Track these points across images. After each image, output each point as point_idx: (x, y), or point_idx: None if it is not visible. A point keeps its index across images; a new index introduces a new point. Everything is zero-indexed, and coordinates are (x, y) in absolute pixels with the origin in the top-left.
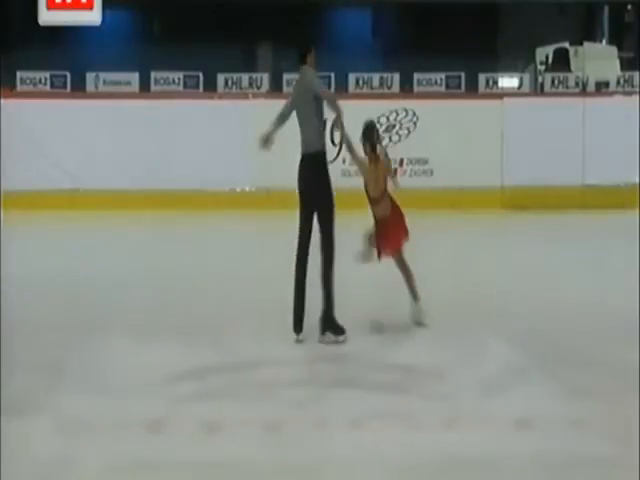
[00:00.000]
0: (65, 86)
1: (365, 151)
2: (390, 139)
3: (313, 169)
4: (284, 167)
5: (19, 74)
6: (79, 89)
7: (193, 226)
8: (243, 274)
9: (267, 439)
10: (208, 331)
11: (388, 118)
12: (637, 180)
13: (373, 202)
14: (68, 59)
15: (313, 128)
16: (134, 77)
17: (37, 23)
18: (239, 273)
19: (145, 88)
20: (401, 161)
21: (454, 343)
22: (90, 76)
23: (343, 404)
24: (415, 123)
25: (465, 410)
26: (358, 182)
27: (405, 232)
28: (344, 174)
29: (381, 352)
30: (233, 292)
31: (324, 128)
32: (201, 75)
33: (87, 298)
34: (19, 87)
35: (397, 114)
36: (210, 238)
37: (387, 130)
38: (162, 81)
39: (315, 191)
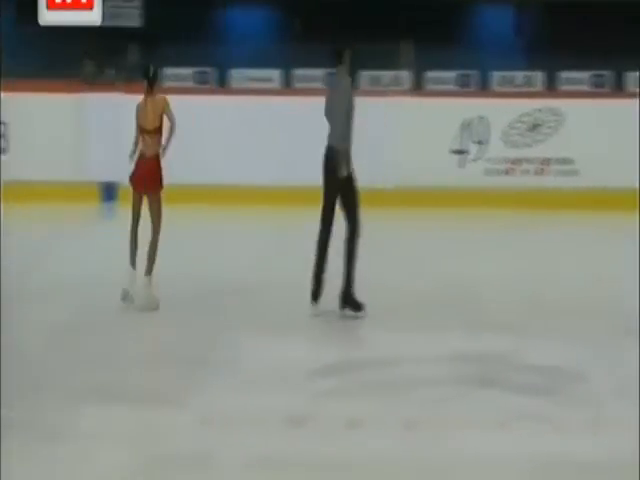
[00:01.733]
0: (209, 82)
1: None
2: (534, 138)
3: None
4: (422, 164)
5: (165, 71)
6: (222, 85)
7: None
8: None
9: (407, 437)
10: (345, 328)
11: (532, 117)
12: None
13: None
14: (212, 56)
15: (345, 125)
16: (276, 74)
17: (182, 21)
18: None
19: (286, 85)
20: (546, 161)
21: (590, 344)
22: (233, 73)
23: (484, 404)
24: (560, 122)
25: (608, 413)
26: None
27: (158, 182)
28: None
29: (520, 353)
30: (376, 289)
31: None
32: None
33: (231, 294)
34: (165, 83)
35: (541, 113)
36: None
37: (531, 129)
38: (303, 78)
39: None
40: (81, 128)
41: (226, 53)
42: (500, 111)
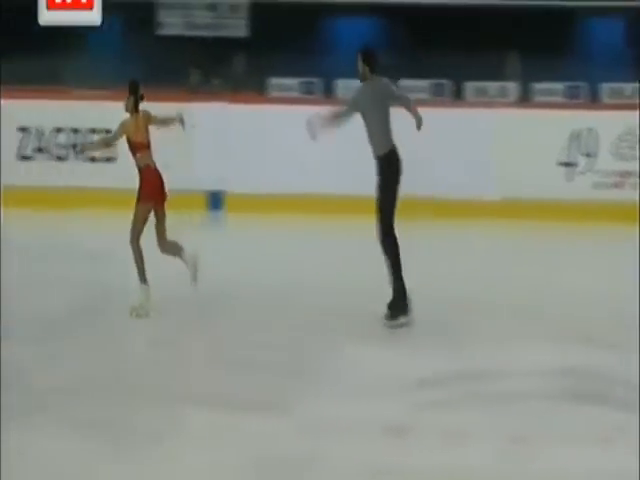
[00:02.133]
0: (314, 93)
1: (127, 106)
2: None
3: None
4: (529, 177)
5: (270, 81)
6: (328, 96)
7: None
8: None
9: (508, 451)
10: (444, 338)
11: None
12: None
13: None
14: (317, 66)
15: (387, 130)
16: None
17: (288, 31)
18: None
19: None
20: None
21: None
22: (339, 83)
23: (586, 419)
24: None
25: None
26: None
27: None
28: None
29: (620, 368)
30: (470, 299)
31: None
32: (448, 83)
33: (331, 302)
34: (270, 93)
35: None
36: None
37: None
38: (409, 89)
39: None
40: (187, 137)
41: (332, 63)
42: (609, 123)
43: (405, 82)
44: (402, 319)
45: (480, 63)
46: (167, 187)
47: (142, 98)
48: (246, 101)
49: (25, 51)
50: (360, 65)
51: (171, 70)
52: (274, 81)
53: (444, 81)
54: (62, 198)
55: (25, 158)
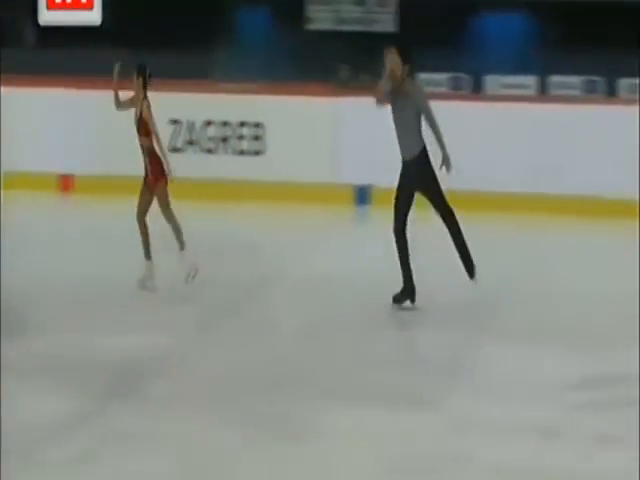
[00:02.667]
0: (463, 88)
1: (135, 88)
2: None
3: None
4: None
5: (419, 75)
6: (477, 92)
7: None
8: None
9: None
10: (600, 340)
11: None
12: None
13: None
14: (466, 62)
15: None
16: (532, 81)
17: (437, 27)
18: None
19: (542, 92)
20: None
21: None
22: (488, 79)
23: None
24: None
25: None
26: None
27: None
28: None
29: None
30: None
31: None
32: (601, 80)
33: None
34: None
35: None
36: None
37: None
38: (560, 85)
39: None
40: (336, 131)
41: (481, 59)
42: None
43: (556, 78)
44: (408, 303)
45: (635, 59)
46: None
47: (150, 77)
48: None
49: (177, 45)
50: (396, 62)
51: (319, 65)
52: (422, 76)
53: (596, 78)
54: (214, 190)
55: (176, 150)
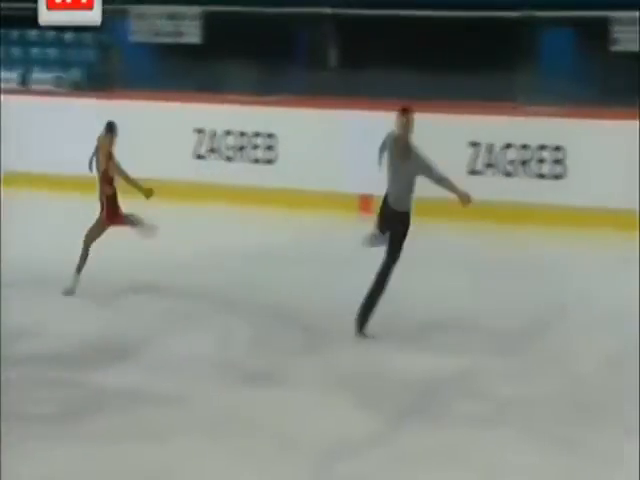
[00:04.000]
0: None
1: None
2: None
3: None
4: None
5: None
6: None
7: None
8: None
9: None
10: None
11: None
12: None
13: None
14: None
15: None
16: None
17: None
18: None
19: None
20: None
21: None
22: None
23: None
24: None
25: None
26: None
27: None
28: None
29: None
30: None
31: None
32: None
33: None
34: None
35: None
36: None
37: None
38: None
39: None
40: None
41: None
42: None
43: None
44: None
45: None
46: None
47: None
48: None
49: (482, 67)
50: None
51: (623, 88)
52: None
53: None
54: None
55: (475, 173)
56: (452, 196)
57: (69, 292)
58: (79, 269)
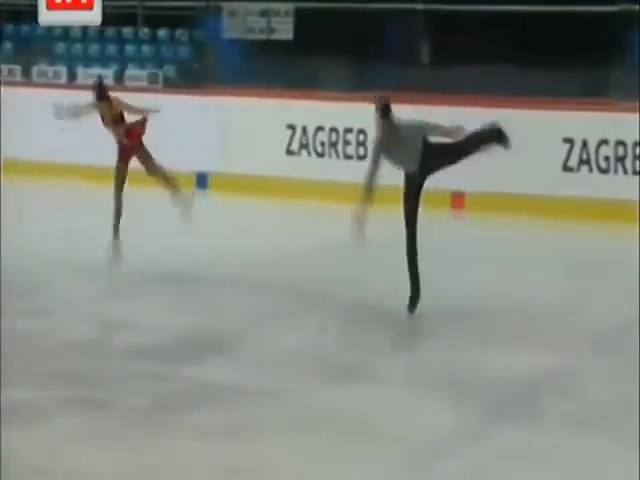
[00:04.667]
0: None
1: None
2: None
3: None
4: None
5: None
6: None
7: None
8: None
9: None
10: None
11: None
12: None
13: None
14: None
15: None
16: None
17: None
18: None
19: None
20: None
21: None
22: None
23: None
24: None
25: None
26: None
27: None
28: None
29: None
30: None
31: None
32: None
33: None
34: None
35: None
36: None
37: None
38: None
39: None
40: None
41: None
42: None
43: None
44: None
45: None
46: None
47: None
48: None
49: (576, 63)
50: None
51: None
52: None
53: None
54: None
55: (568, 169)
56: (549, 194)
57: (113, 263)
58: (116, 229)
